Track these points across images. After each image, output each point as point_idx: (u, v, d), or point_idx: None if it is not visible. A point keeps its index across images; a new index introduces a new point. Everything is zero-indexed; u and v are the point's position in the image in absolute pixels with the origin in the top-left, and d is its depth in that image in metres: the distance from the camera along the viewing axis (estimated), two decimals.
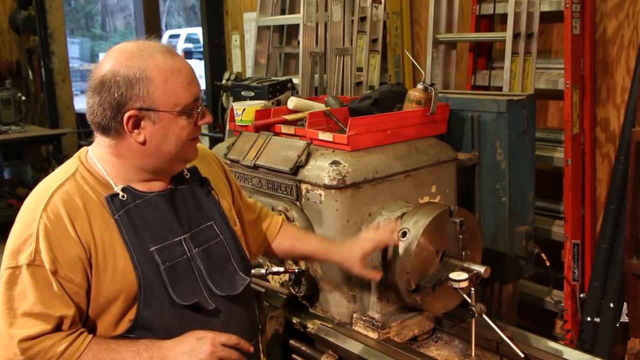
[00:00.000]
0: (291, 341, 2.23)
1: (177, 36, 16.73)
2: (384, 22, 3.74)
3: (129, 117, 1.40)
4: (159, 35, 9.44)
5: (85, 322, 1.41)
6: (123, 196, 1.45)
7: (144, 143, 1.43)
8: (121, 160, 1.48)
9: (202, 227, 1.55)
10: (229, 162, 2.39)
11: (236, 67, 5.46)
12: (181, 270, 1.47)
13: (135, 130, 1.42)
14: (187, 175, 1.58)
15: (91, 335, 1.39)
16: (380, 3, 3.62)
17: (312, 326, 2.16)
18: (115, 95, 1.39)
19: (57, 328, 1.34)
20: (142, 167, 1.48)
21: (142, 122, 1.42)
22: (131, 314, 1.43)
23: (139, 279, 1.41)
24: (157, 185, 1.52)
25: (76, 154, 1.54)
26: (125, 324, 1.43)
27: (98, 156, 1.49)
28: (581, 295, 2.88)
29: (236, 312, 1.56)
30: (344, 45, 3.61)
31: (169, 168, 1.51)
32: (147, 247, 1.43)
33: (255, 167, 2.30)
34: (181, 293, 1.45)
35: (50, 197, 1.40)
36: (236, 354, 1.44)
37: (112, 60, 1.42)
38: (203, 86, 5.88)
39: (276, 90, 3.13)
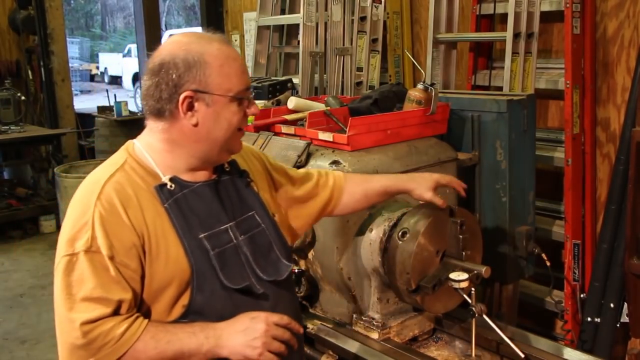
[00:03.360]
0: None
1: None
2: (384, 22, 3.74)
3: (185, 98, 1.44)
4: (158, 35, 9.44)
5: (140, 309, 1.43)
6: (171, 186, 1.48)
7: (196, 125, 1.47)
8: (171, 147, 1.50)
9: (245, 216, 1.59)
10: None
11: None
12: (229, 257, 1.50)
13: (189, 113, 1.46)
14: (227, 168, 1.62)
15: (147, 320, 1.41)
16: (381, 3, 3.62)
17: (312, 326, 2.16)
18: (173, 76, 1.43)
19: (116, 312, 1.37)
20: (191, 154, 1.51)
21: (196, 104, 1.45)
22: (184, 299, 1.45)
23: (191, 265, 1.44)
24: (202, 176, 1.55)
25: (123, 147, 1.57)
26: (179, 309, 1.45)
27: (147, 146, 1.52)
28: (581, 296, 2.88)
29: (283, 296, 1.59)
30: (344, 45, 3.61)
31: (216, 156, 1.54)
32: (197, 234, 1.47)
33: None
34: (231, 278, 1.48)
35: (102, 187, 1.43)
36: (288, 333, 1.47)
37: (171, 45, 1.48)
38: None
39: (276, 90, 3.12)
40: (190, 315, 1.45)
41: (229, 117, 1.48)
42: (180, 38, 1.50)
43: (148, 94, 1.48)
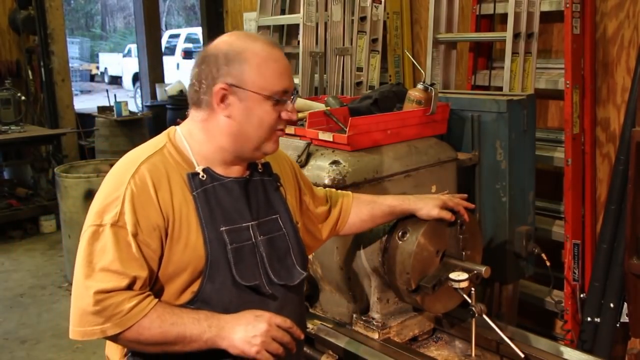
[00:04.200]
0: None
1: (177, 36, 16.70)
2: (384, 22, 3.74)
3: (219, 90, 1.50)
4: (158, 35, 9.46)
5: (153, 288, 1.48)
6: (203, 176, 1.53)
7: (229, 117, 1.52)
8: (208, 138, 1.55)
9: (268, 218, 1.62)
10: None
11: None
12: (245, 254, 1.54)
13: (222, 104, 1.51)
14: (260, 169, 1.66)
15: (157, 300, 1.46)
16: (380, 3, 3.62)
17: (312, 326, 2.16)
18: (213, 69, 1.50)
19: (129, 287, 1.42)
20: (225, 147, 1.55)
21: (230, 98, 1.51)
22: (194, 287, 1.49)
23: (207, 254, 1.48)
24: (234, 171, 1.59)
25: (165, 132, 1.62)
26: (188, 295, 1.50)
27: (187, 133, 1.58)
28: (581, 296, 2.88)
29: (291, 300, 1.61)
30: (344, 45, 3.61)
31: (250, 153, 1.57)
32: (218, 226, 1.51)
33: None
34: (243, 274, 1.51)
35: (139, 166, 1.49)
36: (288, 337, 1.48)
37: (219, 41, 1.56)
38: None
39: None
40: (198, 302, 1.49)
41: (261, 114, 1.52)
42: (229, 36, 1.57)
43: (191, 83, 1.56)
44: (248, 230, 1.56)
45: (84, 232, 1.46)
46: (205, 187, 1.52)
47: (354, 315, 2.15)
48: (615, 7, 2.88)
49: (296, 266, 1.62)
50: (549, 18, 3.10)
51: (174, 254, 1.47)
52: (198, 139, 1.56)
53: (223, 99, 1.51)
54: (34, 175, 6.70)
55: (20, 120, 6.50)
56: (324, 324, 2.17)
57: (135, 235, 1.42)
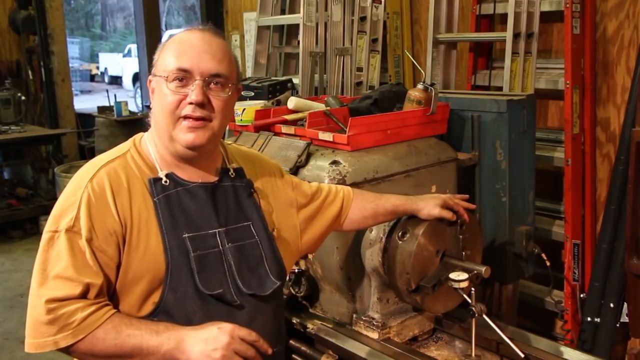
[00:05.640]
0: (291, 341, 2.22)
1: None
2: (384, 22, 3.74)
3: (149, 82, 1.52)
4: (158, 35, 9.46)
5: (112, 299, 1.43)
6: (166, 182, 1.49)
7: (153, 108, 1.52)
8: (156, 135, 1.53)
9: (238, 225, 1.56)
10: None
11: None
12: (210, 261, 1.48)
13: (152, 96, 1.52)
14: (232, 174, 1.60)
15: (115, 310, 1.40)
16: (380, 3, 3.62)
17: (312, 326, 2.16)
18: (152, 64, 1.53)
19: (84, 295, 1.36)
20: (160, 141, 1.51)
21: (154, 88, 1.51)
22: (155, 297, 1.44)
23: (167, 262, 1.43)
24: (200, 176, 1.54)
25: (132, 137, 1.59)
26: (150, 306, 1.44)
27: (151, 139, 1.54)
28: (581, 296, 2.88)
29: (262, 313, 1.54)
30: (344, 45, 3.61)
31: (170, 147, 1.50)
32: (181, 233, 1.46)
33: None
34: (207, 282, 1.45)
35: (98, 170, 1.46)
36: (253, 351, 1.39)
37: None
38: None
39: (276, 90, 3.12)
40: (160, 314, 1.43)
41: (161, 97, 1.46)
42: None
43: None
44: (215, 237, 1.49)
45: (42, 239, 1.41)
46: (167, 192, 1.47)
47: (354, 315, 2.15)
48: (615, 7, 2.88)
49: (270, 275, 1.55)
50: (549, 18, 3.10)
51: (133, 261, 1.42)
52: (157, 143, 1.52)
53: (153, 91, 1.50)
54: (34, 175, 6.71)
55: (20, 120, 6.51)
56: (324, 324, 2.17)
57: (89, 241, 1.37)
